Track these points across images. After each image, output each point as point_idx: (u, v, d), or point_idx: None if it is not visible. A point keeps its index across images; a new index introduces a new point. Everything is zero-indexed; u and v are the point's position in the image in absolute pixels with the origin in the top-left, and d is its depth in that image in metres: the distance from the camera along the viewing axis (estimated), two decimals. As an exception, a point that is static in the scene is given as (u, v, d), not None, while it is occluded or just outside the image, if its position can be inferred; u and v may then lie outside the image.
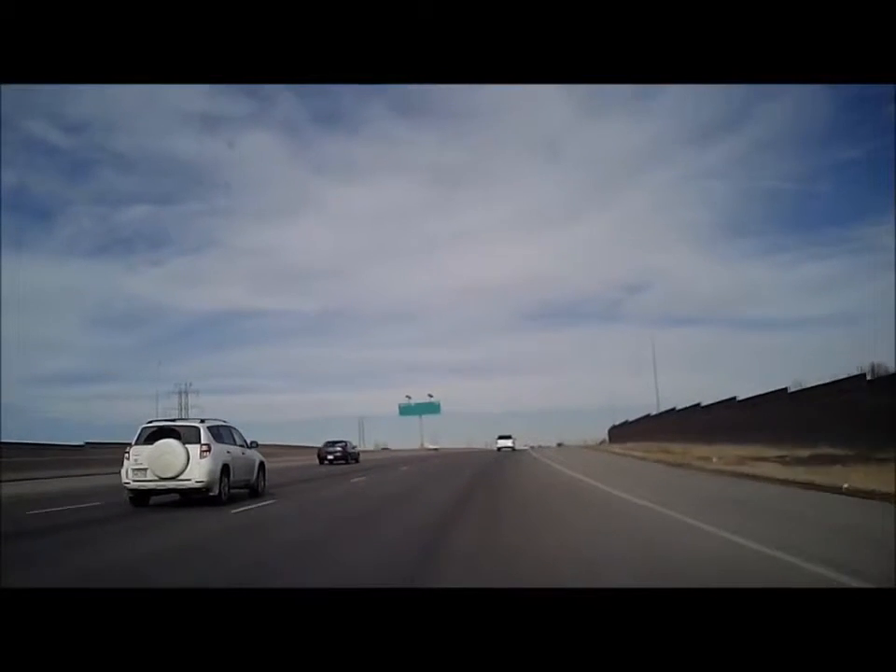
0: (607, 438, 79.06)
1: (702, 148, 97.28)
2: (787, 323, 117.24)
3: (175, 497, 12.88)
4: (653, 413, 51.93)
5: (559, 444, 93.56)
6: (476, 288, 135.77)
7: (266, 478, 15.45)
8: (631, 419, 63.32)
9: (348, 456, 38.69)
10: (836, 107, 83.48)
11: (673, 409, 43.97)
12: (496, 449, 64.58)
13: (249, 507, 12.14)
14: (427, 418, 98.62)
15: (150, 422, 13.25)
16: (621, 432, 65.63)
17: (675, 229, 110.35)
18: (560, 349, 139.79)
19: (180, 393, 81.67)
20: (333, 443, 39.78)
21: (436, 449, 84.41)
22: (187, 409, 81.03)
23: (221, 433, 13.57)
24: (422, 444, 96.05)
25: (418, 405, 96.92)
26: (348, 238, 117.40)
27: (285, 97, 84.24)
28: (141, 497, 12.53)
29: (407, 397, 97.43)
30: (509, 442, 66.24)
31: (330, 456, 38.02)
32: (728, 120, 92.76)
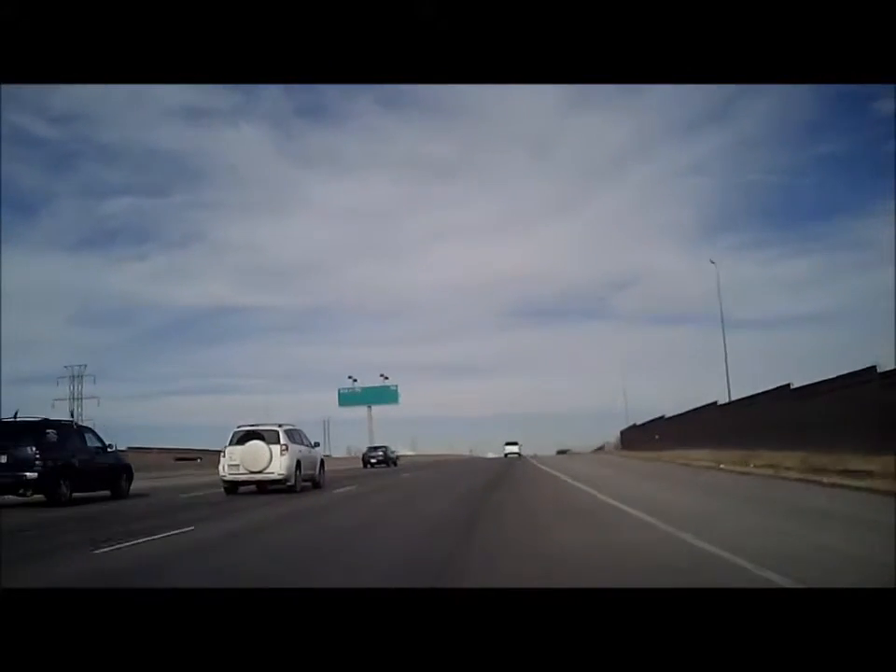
0: (618, 442, 66.20)
1: (687, 143, 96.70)
2: (774, 321, 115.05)
3: (253, 487, 16.03)
4: (721, 401, 33.61)
5: (560, 452, 79.26)
6: (460, 286, 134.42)
7: (325, 473, 18.53)
8: (668, 415, 45.08)
9: (388, 460, 44.89)
10: (822, 102, 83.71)
11: (787, 385, 23.88)
12: (503, 455, 65.69)
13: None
14: (386, 413, 72.86)
15: (240, 426, 16.31)
16: (645, 434, 49.90)
17: (660, 224, 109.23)
18: (547, 349, 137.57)
19: (72, 378, 69.39)
20: (375, 448, 46.79)
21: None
22: (81, 399, 68.98)
23: (294, 435, 16.65)
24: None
25: (367, 391, 67.97)
26: (333, 233, 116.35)
27: (270, 91, 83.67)
28: (233, 487, 15.72)
29: (350, 379, 68.72)
30: (515, 449, 68.32)
31: (373, 460, 44.13)
32: (712, 116, 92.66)
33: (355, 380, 69.24)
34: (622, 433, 66.12)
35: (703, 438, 32.44)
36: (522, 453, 67.17)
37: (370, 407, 68.68)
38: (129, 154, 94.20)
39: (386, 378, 68.10)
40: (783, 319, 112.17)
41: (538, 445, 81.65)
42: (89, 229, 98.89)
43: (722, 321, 37.99)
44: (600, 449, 74.60)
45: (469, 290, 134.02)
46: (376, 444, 48.57)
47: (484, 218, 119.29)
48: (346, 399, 69.66)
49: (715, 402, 34.37)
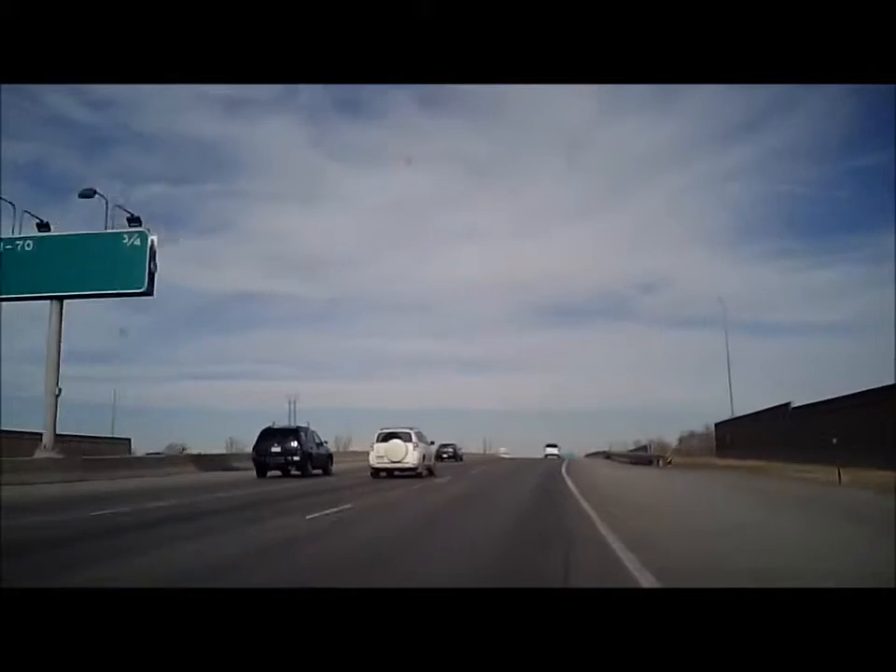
0: (707, 442, 48.27)
1: (720, 151, 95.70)
2: (801, 329, 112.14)
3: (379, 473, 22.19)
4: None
5: (608, 455, 58.29)
6: (485, 284, 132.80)
7: (435, 463, 25.48)
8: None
9: (456, 456, 49.73)
10: (855, 114, 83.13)
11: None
12: (543, 456, 65.10)
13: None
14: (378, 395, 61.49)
15: (383, 429, 22.72)
16: (797, 433, 28.78)
17: (690, 230, 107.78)
18: (571, 348, 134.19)
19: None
20: (446, 445, 49.45)
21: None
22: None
23: (420, 436, 22.97)
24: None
25: (51, 245, 22.48)
26: (361, 227, 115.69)
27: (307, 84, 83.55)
28: (376, 472, 21.93)
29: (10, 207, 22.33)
30: (555, 451, 68.87)
31: (445, 455, 47.27)
32: (746, 125, 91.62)
33: (44, 224, 23.52)
34: (717, 426, 45.61)
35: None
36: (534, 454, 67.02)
37: (60, 302, 23.43)
38: (163, 141, 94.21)
39: (134, 219, 23.17)
40: (808, 328, 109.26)
41: (564, 445, 71.81)
42: (121, 213, 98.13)
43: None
44: (642, 449, 51.22)
45: (494, 288, 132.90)
46: (446, 442, 51.02)
47: (513, 218, 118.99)
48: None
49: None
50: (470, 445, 70.59)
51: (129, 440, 38.02)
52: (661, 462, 34.81)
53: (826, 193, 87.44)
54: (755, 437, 34.31)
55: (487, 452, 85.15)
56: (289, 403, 79.41)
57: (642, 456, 42.42)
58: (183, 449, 46.53)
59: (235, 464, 28.67)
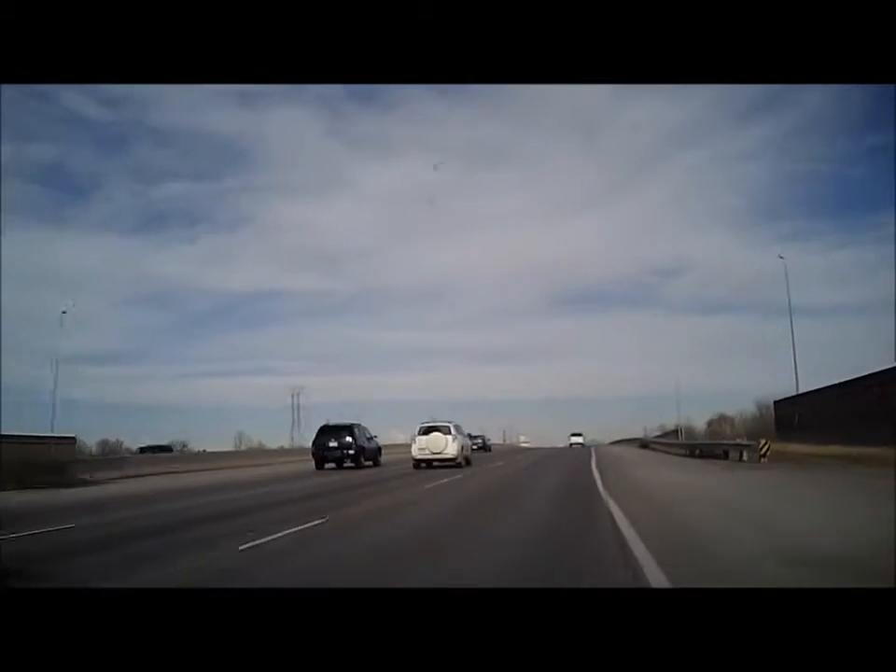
0: (763, 424, 39.82)
1: (738, 132, 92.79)
2: (824, 310, 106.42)
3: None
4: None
5: (644, 444, 49.40)
6: (502, 273, 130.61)
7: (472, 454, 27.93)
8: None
9: (486, 447, 51.77)
10: (874, 93, 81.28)
11: None
12: (568, 445, 64.67)
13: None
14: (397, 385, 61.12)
15: (423, 423, 24.49)
16: None
17: (709, 213, 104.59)
18: (586, 335, 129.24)
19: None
20: (475, 437, 49.86)
21: None
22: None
23: (459, 429, 24.84)
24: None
25: None
26: (379, 217, 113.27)
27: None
28: (418, 464, 23.31)
29: None
30: (580, 439, 68.57)
31: (475, 446, 48.20)
32: (764, 104, 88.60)
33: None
34: (777, 405, 37.57)
35: None
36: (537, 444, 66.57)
37: None
38: (180, 138, 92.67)
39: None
40: (831, 309, 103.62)
41: (568, 431, 70.51)
42: (141, 212, 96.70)
43: None
44: (672, 434, 50.12)
45: (508, 277, 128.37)
46: (476, 433, 51.73)
47: (530, 205, 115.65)
48: None
49: None
50: (490, 435, 67.48)
51: (74, 438, 34.99)
52: (744, 454, 22.01)
53: (847, 171, 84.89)
54: (835, 416, 26.38)
55: (507, 441, 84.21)
56: (292, 397, 79.68)
57: (704, 445, 28.93)
58: (184, 446, 45.97)
59: (90, 474, 19.89)
